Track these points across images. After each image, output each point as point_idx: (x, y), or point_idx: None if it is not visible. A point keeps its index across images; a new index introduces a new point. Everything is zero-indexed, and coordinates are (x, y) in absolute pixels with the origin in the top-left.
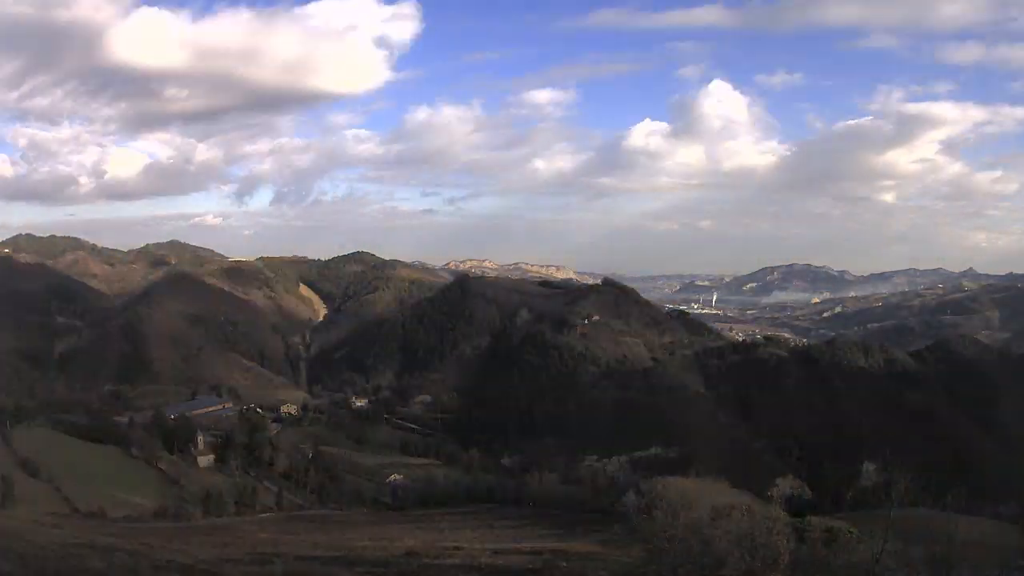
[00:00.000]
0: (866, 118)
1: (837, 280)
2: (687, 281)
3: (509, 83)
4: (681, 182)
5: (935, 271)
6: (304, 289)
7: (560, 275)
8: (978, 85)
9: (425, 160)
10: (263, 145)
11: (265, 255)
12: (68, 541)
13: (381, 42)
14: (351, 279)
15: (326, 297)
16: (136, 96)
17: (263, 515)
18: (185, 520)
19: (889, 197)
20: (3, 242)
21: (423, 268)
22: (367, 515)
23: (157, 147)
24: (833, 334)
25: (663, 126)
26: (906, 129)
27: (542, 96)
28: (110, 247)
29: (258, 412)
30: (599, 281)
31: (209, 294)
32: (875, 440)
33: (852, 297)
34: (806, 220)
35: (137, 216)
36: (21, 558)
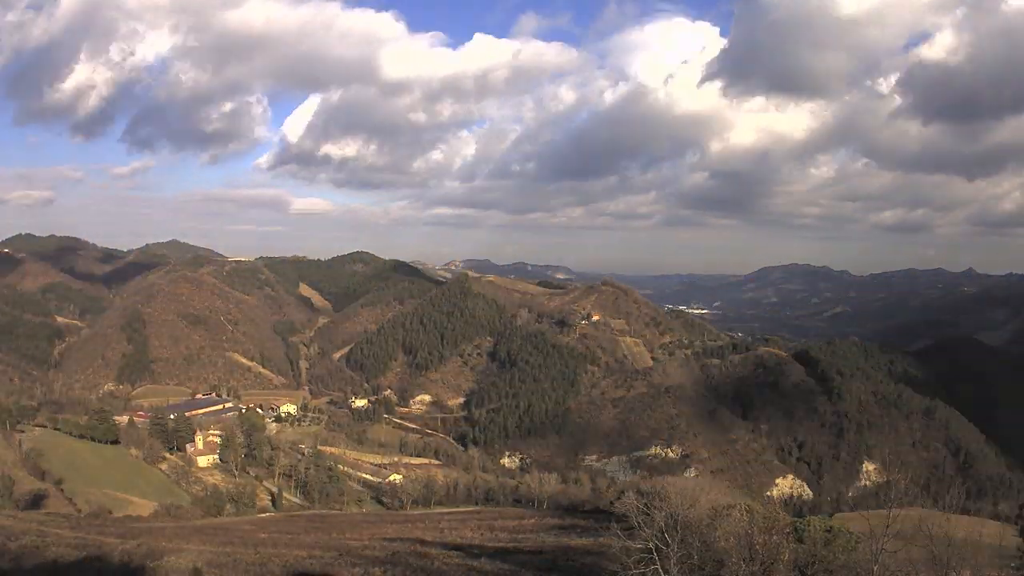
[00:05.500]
0: None
1: (837, 280)
2: (687, 281)
3: None
4: None
5: (935, 271)
6: (305, 289)
7: (560, 275)
8: None
9: None
10: None
11: (265, 255)
12: (69, 540)
13: None
14: (352, 279)
15: (327, 297)
16: None
17: (263, 515)
18: (185, 520)
19: None
20: (3, 242)
21: (423, 268)
22: (367, 515)
23: None
24: (833, 334)
25: None
26: None
27: None
28: (110, 246)
29: (258, 412)
30: (599, 281)
31: (209, 294)
32: (875, 440)
33: (852, 297)
34: None
35: None
36: (21, 557)
